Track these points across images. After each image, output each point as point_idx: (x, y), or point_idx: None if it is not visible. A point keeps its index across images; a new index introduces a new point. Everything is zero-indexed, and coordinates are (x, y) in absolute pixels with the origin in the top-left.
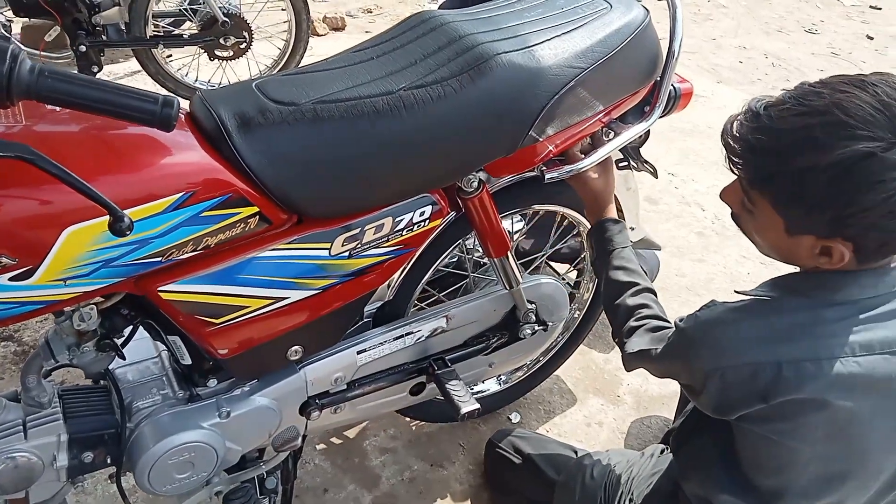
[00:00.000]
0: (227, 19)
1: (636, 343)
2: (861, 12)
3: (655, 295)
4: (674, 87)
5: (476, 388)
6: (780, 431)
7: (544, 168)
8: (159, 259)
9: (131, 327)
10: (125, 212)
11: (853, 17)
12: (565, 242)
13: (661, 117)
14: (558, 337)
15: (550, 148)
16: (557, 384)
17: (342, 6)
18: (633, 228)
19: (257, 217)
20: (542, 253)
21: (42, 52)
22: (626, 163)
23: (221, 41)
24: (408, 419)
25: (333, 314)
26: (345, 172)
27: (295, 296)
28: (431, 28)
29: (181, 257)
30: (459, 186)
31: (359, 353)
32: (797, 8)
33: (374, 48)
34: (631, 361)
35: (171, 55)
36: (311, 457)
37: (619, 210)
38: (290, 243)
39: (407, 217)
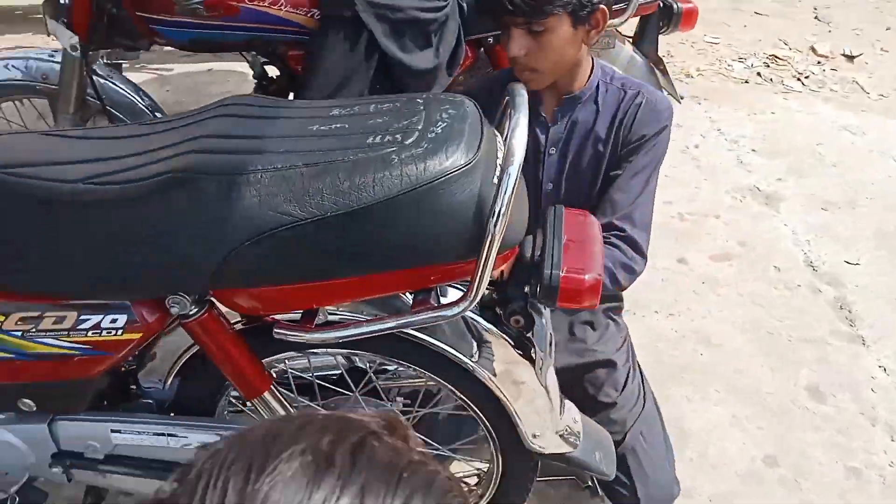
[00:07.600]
0: None
1: None
2: None
3: None
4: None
5: None
6: None
7: (279, 320)
8: None
9: None
10: None
11: None
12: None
13: None
14: None
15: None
16: None
17: None
18: None
19: None
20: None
21: None
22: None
23: None
24: None
25: (46, 385)
26: (13, 251)
27: None
28: (216, 115)
29: None
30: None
31: (112, 431)
32: None
33: (163, 123)
34: None
35: None
36: None
37: None
38: None
39: (94, 319)
